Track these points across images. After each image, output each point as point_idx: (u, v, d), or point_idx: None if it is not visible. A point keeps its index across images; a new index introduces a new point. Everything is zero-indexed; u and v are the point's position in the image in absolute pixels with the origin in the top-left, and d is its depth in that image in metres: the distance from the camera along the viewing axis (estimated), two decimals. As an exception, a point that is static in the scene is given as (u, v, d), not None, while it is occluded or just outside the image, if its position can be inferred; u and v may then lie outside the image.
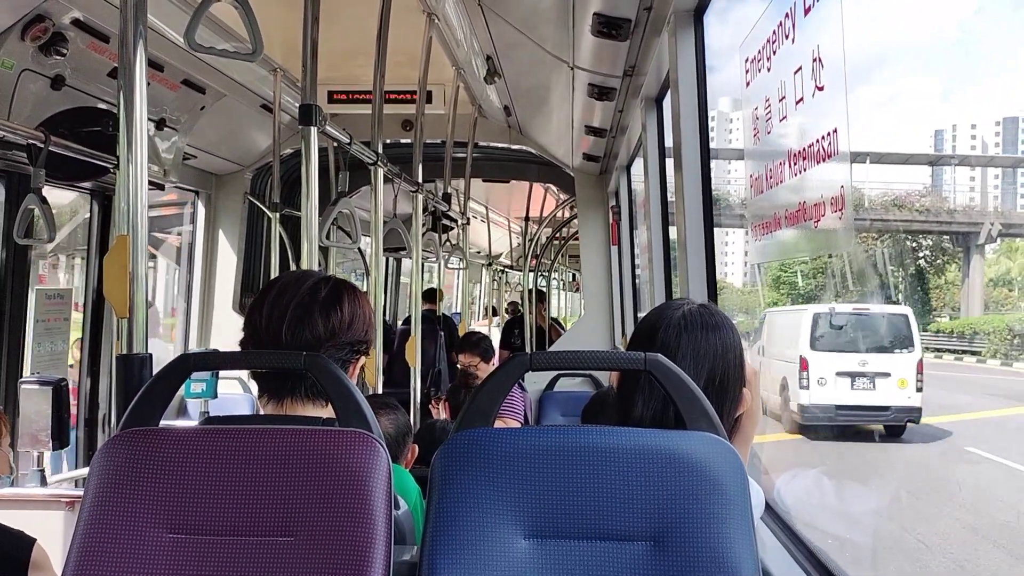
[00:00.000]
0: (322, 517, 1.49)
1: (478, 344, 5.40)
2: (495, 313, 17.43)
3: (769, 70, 2.26)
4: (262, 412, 1.77)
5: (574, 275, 20.86)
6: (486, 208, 11.72)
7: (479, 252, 13.96)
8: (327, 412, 1.73)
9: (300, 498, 1.51)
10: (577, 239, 11.66)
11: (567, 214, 10.23)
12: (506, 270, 19.72)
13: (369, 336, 1.83)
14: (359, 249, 7.13)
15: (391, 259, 11.21)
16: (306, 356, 1.62)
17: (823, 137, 1.89)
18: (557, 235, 11.71)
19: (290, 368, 1.69)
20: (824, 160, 1.89)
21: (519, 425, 4.53)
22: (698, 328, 1.67)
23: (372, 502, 1.50)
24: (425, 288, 8.31)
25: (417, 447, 2.94)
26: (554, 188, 9.75)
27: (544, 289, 11.92)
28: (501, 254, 16.67)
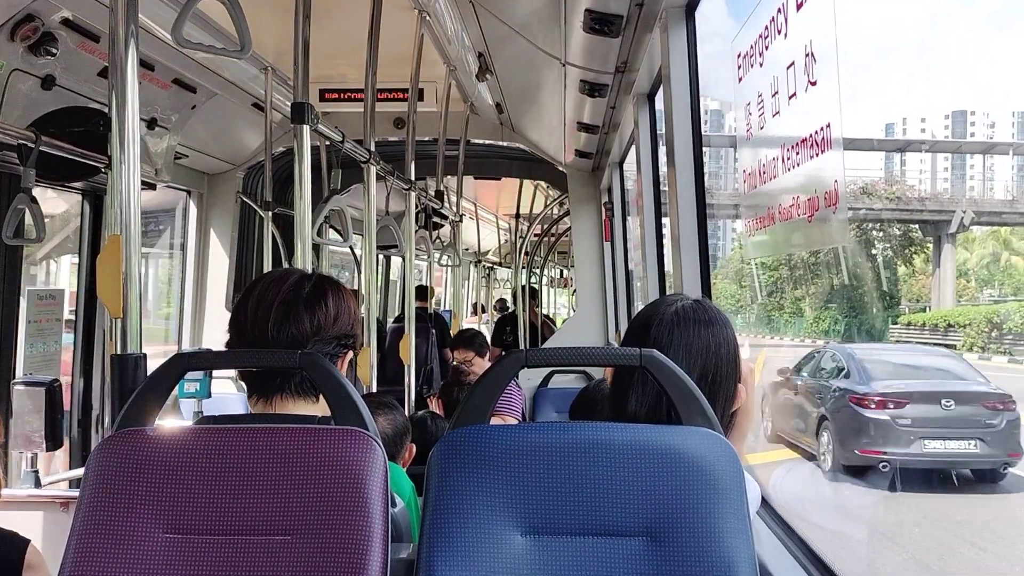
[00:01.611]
0: (319, 515, 1.49)
1: (472, 340, 5.42)
2: (483, 310, 17.45)
3: (761, 65, 2.26)
4: (252, 411, 1.77)
5: (561, 271, 20.91)
6: (475, 205, 11.72)
7: (467, 249, 13.97)
8: (316, 408, 1.73)
9: (297, 497, 1.50)
10: (567, 236, 11.69)
11: (557, 211, 10.23)
12: (494, 267, 19.73)
13: (355, 330, 1.82)
14: (351, 247, 7.12)
15: (380, 257, 11.20)
16: (302, 354, 1.62)
17: (816, 132, 1.89)
18: (549, 232, 11.71)
19: (285, 367, 1.69)
20: (817, 155, 1.90)
21: (516, 422, 4.53)
22: (691, 324, 1.67)
23: (369, 500, 1.50)
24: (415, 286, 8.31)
25: (415, 447, 2.93)
26: (544, 185, 9.74)
27: (536, 286, 11.94)
28: (489, 251, 16.68)
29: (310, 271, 1.89)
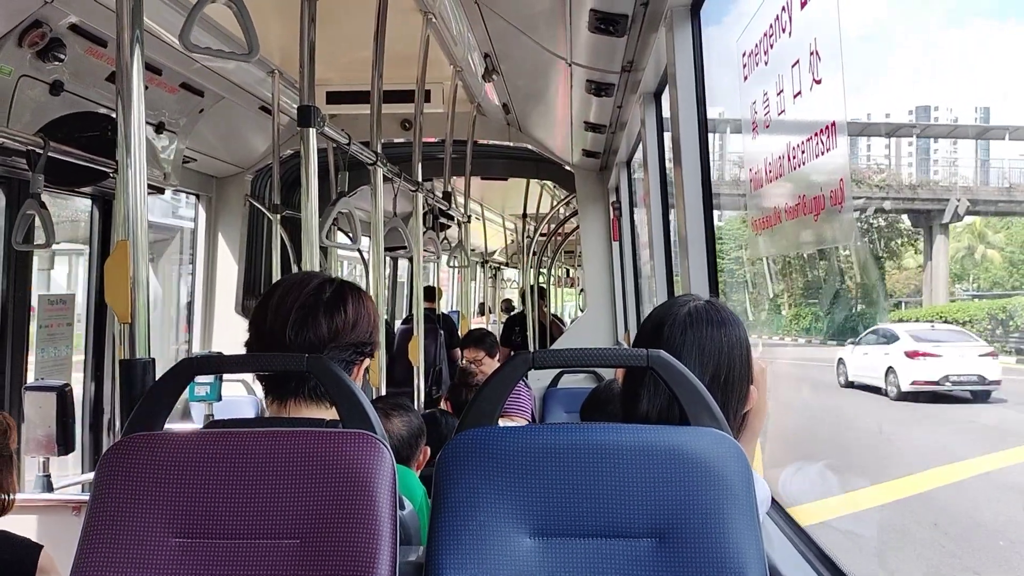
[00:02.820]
0: (327, 519, 1.49)
1: (483, 340, 5.40)
2: (490, 311, 17.46)
3: (767, 64, 2.25)
4: (267, 414, 1.78)
5: (567, 271, 20.93)
6: (481, 206, 11.74)
7: (474, 250, 14.01)
8: (330, 413, 1.73)
9: (305, 500, 1.51)
10: (573, 236, 11.69)
11: (563, 211, 10.22)
12: (500, 267, 19.75)
13: (374, 338, 1.83)
14: (359, 250, 7.12)
15: (388, 259, 11.20)
16: (309, 358, 1.62)
17: (821, 131, 1.89)
18: (556, 233, 11.73)
19: (293, 370, 1.69)
20: (822, 154, 1.89)
21: (526, 423, 4.52)
22: (704, 325, 1.67)
23: (377, 503, 1.50)
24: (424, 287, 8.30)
25: (429, 449, 2.92)
26: (550, 185, 9.73)
27: (544, 286, 11.94)
28: (495, 251, 16.69)
29: (332, 276, 1.90)
